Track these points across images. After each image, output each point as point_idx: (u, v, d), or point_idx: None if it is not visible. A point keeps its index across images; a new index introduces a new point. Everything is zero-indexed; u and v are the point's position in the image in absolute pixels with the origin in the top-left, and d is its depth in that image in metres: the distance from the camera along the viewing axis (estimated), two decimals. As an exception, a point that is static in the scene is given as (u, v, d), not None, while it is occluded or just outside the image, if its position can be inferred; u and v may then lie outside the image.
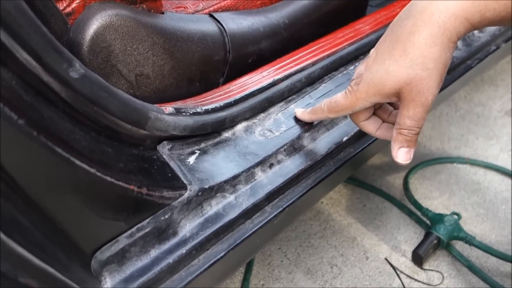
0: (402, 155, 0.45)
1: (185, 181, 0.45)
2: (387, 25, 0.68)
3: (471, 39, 0.76)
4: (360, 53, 0.66)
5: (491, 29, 0.78)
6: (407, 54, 0.40)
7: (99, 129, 0.40)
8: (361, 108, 0.46)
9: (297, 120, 0.56)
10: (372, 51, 0.45)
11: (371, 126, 0.49)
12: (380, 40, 0.44)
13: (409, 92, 0.41)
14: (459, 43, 0.74)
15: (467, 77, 0.77)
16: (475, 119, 1.14)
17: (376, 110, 0.50)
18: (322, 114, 0.50)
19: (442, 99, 0.89)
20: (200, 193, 0.45)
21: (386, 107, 0.50)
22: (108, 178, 0.35)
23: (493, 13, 0.37)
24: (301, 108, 0.56)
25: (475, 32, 0.77)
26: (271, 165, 0.52)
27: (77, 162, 0.32)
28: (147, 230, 0.40)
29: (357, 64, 0.65)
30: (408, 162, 0.45)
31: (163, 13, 0.56)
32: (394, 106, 0.50)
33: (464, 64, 0.74)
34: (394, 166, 1.03)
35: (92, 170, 0.34)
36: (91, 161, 0.34)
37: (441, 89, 0.70)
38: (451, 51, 0.40)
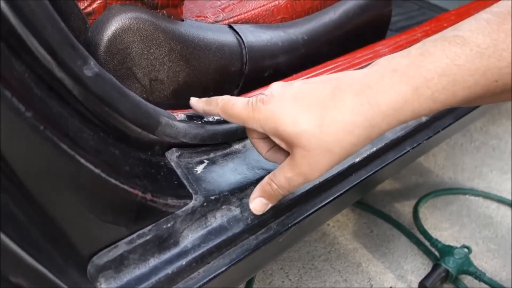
0: (258, 204, 0.43)
1: (191, 190, 0.44)
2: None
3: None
4: (378, 74, 0.65)
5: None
6: (323, 118, 0.36)
7: (108, 130, 0.39)
8: (252, 128, 0.41)
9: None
10: (297, 82, 0.40)
11: (262, 146, 0.45)
12: (311, 80, 0.40)
13: (300, 156, 0.37)
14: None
15: (484, 108, 0.75)
16: (490, 152, 1.12)
17: None
18: (214, 108, 0.44)
19: (458, 129, 0.87)
20: (205, 204, 0.44)
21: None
22: (113, 180, 0.34)
23: (425, 110, 0.35)
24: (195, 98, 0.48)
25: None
26: (280, 181, 0.51)
27: (82, 160, 0.32)
28: (148, 237, 0.39)
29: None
30: (260, 214, 0.43)
31: (183, 20, 0.56)
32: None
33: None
34: (405, 193, 1.01)
35: (97, 171, 0.33)
36: (97, 161, 0.33)
37: (457, 118, 0.69)
38: (364, 144, 0.37)
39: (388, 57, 0.36)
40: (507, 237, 0.91)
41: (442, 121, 0.67)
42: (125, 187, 0.35)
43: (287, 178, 0.39)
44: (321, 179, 0.52)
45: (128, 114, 0.40)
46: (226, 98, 0.43)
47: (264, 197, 0.42)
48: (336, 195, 0.54)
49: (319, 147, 0.37)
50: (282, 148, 0.41)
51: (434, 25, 0.77)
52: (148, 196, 0.38)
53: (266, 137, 0.43)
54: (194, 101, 0.48)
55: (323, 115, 0.36)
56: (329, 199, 0.54)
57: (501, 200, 0.98)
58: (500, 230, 0.92)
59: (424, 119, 0.63)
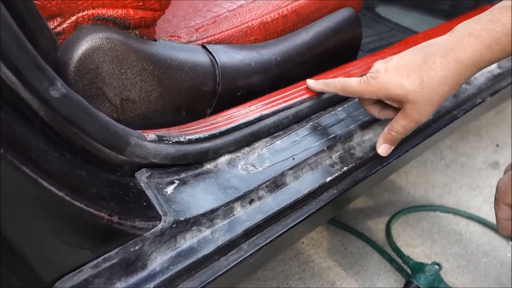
0: (384, 149, 0.58)
1: (160, 212, 0.43)
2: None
3: (458, 91, 0.77)
4: (348, 95, 0.66)
5: (478, 83, 0.80)
6: (421, 78, 0.49)
7: (76, 151, 0.39)
8: (367, 97, 0.55)
9: (281, 156, 0.56)
10: (395, 57, 0.52)
11: (374, 109, 0.58)
12: (404, 53, 0.52)
13: (410, 108, 0.51)
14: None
15: (453, 126, 0.78)
16: (460, 169, 1.15)
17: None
18: (333, 89, 0.58)
19: (428, 147, 0.89)
20: (174, 225, 0.43)
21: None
22: (77, 203, 0.34)
23: (498, 58, 0.47)
24: (313, 80, 0.62)
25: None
26: (251, 201, 0.51)
27: (45, 184, 0.31)
28: (114, 261, 0.38)
29: (345, 105, 0.65)
30: (385, 155, 0.58)
31: (155, 40, 0.56)
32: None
33: (450, 114, 0.75)
34: (377, 210, 1.02)
35: (61, 194, 0.32)
36: (61, 184, 0.33)
37: (427, 137, 0.71)
38: (455, 89, 0.49)
39: (463, 24, 0.48)
40: (476, 253, 0.93)
41: (411, 140, 0.69)
42: (91, 210, 0.35)
43: (402, 125, 0.53)
44: (292, 199, 0.52)
45: (97, 135, 0.40)
46: (342, 80, 0.57)
47: (387, 143, 0.57)
48: (307, 214, 0.54)
49: (423, 99, 0.49)
50: (390, 106, 0.55)
51: (403, 47, 0.79)
52: (115, 218, 0.37)
53: (375, 103, 0.57)
54: (312, 83, 0.61)
55: (421, 76, 0.49)
56: (301, 219, 0.54)
57: (470, 217, 1.00)
58: (469, 246, 0.94)
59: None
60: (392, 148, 0.57)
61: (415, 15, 1.30)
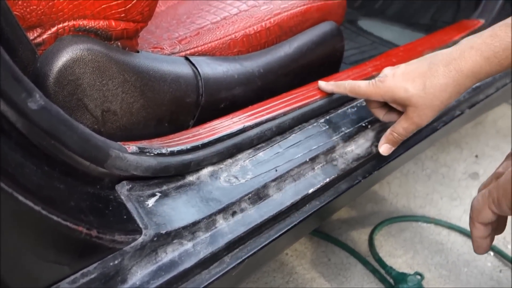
0: (385, 148, 0.62)
1: (140, 225, 0.43)
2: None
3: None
4: (330, 107, 0.67)
5: (456, 95, 0.82)
6: (424, 84, 0.53)
7: (54, 163, 0.38)
8: (374, 99, 0.60)
9: (264, 168, 0.56)
10: (403, 64, 0.57)
11: (380, 112, 0.62)
12: (412, 61, 0.57)
13: (412, 111, 0.55)
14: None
15: (433, 138, 0.79)
16: (440, 179, 1.17)
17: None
18: (343, 90, 0.62)
19: (409, 158, 0.91)
20: (155, 239, 0.43)
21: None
22: (54, 218, 0.33)
23: (496, 71, 0.51)
24: (323, 81, 0.67)
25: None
26: (233, 213, 0.50)
27: (20, 198, 0.30)
28: (92, 276, 0.38)
29: (327, 117, 0.65)
30: (386, 155, 0.62)
31: (138, 51, 0.56)
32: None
33: (430, 126, 0.76)
34: (360, 221, 1.03)
35: (37, 208, 0.31)
36: (38, 198, 0.32)
37: (408, 148, 0.72)
38: (455, 97, 0.53)
39: (467, 38, 0.53)
40: (457, 263, 0.94)
41: (393, 151, 0.69)
42: (69, 224, 0.34)
43: (404, 128, 0.57)
44: (274, 211, 0.52)
45: (76, 147, 0.39)
46: (351, 82, 0.61)
47: (389, 143, 0.61)
48: (290, 226, 0.54)
49: (424, 104, 0.54)
50: (395, 110, 0.59)
51: (384, 60, 0.81)
52: (94, 232, 0.36)
53: (382, 106, 0.61)
54: (323, 84, 0.66)
55: (424, 82, 0.53)
56: (284, 230, 0.54)
57: (451, 227, 1.02)
58: (450, 256, 0.95)
59: (374, 150, 0.66)
60: (393, 148, 0.62)
61: (396, 28, 1.33)
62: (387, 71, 0.58)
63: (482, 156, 1.25)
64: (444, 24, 1.30)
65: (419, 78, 0.54)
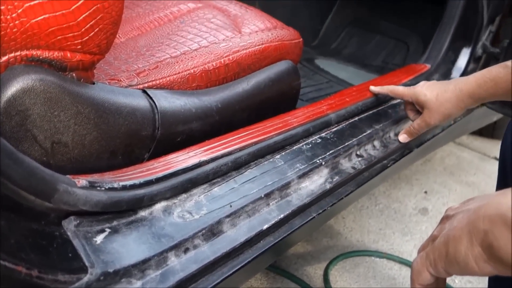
0: (403, 138, 0.82)
1: (87, 263, 0.41)
2: (313, 120, 0.72)
3: (387, 141, 0.82)
4: (286, 143, 0.68)
5: (405, 134, 0.86)
6: (438, 94, 0.75)
7: (-5, 198, 0.36)
8: (407, 99, 0.81)
9: (219, 203, 0.55)
10: (431, 82, 0.79)
11: (411, 113, 0.82)
12: (432, 83, 0.78)
13: (426, 112, 0.77)
14: (376, 143, 0.80)
15: (384, 175, 0.82)
16: (393, 214, 1.21)
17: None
18: (386, 91, 0.85)
19: (363, 193, 0.93)
20: (102, 278, 0.41)
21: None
22: (-9, 257, 0.31)
23: (488, 96, 0.72)
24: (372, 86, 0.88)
25: (391, 134, 0.84)
26: (186, 250, 0.49)
27: (-46, 237, 0.28)
28: (31, 319, 0.35)
29: (282, 153, 0.67)
30: (404, 142, 0.82)
31: (93, 83, 0.55)
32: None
33: (381, 163, 0.80)
34: (316, 256, 1.03)
35: (-29, 247, 0.30)
36: (-27, 236, 0.30)
37: (360, 184, 0.75)
38: (459, 109, 0.74)
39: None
40: (408, 298, 0.96)
41: (345, 188, 0.72)
42: (7, 264, 0.32)
43: (418, 124, 0.79)
44: (228, 248, 0.52)
45: (21, 181, 0.38)
46: (391, 86, 0.85)
47: (407, 134, 0.82)
48: (244, 263, 0.54)
49: (434, 108, 0.75)
50: (420, 113, 0.79)
51: (338, 99, 0.84)
52: (34, 272, 0.34)
53: (413, 109, 0.81)
54: (372, 87, 0.87)
55: (438, 93, 0.75)
56: (237, 267, 0.53)
57: (402, 262, 1.04)
58: (402, 290, 0.97)
59: (328, 186, 0.67)
60: (409, 139, 0.82)
61: (351, 69, 1.40)
62: (422, 82, 0.80)
63: (431, 192, 1.31)
64: (395, 67, 1.38)
65: (436, 90, 0.75)
